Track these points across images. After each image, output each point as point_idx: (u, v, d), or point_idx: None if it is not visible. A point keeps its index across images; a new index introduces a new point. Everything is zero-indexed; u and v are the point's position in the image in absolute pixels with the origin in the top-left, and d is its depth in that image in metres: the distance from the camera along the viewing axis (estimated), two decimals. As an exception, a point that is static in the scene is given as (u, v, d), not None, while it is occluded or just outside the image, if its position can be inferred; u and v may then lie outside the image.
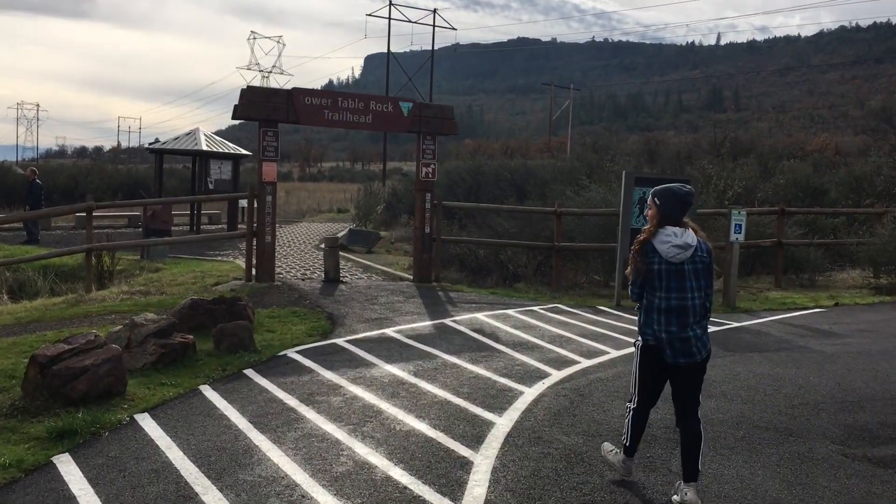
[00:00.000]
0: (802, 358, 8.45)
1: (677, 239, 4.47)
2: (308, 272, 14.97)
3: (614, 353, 8.47)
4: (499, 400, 6.57)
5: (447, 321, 10.22)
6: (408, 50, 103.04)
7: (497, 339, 9.11)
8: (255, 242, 12.87)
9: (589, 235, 14.63)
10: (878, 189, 20.39)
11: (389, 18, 68.67)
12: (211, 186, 22.11)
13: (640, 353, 4.68)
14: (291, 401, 6.43)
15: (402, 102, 13.58)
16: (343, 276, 14.07)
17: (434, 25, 70.57)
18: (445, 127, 13.85)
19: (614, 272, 12.60)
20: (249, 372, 7.42)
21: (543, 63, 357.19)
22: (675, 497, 4.53)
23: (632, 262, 4.57)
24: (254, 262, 13.00)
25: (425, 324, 10.03)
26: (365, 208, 24.17)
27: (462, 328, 9.75)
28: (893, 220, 14.79)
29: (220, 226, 25.76)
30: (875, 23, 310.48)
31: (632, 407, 4.77)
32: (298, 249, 19.52)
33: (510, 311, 11.09)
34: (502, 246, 14.44)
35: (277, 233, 23.98)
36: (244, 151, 23.60)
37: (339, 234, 22.80)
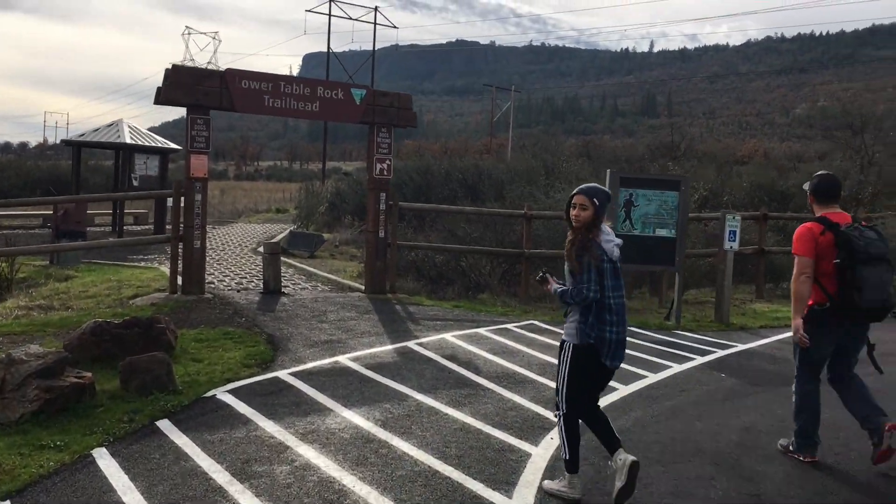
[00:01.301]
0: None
1: (613, 236, 4.51)
2: (244, 281, 13.13)
3: (624, 389, 6.95)
4: (501, 468, 4.95)
5: (412, 345, 8.58)
6: (347, 49, 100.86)
7: (476, 370, 7.51)
8: (181, 248, 11.02)
9: (559, 241, 13.15)
10: (843, 194, 19.49)
11: (330, 15, 66.54)
12: (135, 183, 19.97)
13: (576, 356, 4.46)
14: (219, 474, 4.70)
15: (355, 89, 11.88)
16: (285, 286, 12.29)
17: (375, 23, 68.72)
18: (403, 118, 12.20)
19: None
20: (165, 424, 5.66)
21: (482, 65, 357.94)
22: (611, 464, 4.47)
23: (579, 255, 4.34)
24: (180, 270, 11.14)
25: (386, 348, 8.36)
26: (307, 209, 22.34)
27: (431, 354, 8.12)
28: (881, 226, 13.73)
29: (146, 227, 23.56)
30: (799, 34, 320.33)
31: (562, 414, 4.53)
32: (233, 254, 17.59)
33: (482, 331, 9.51)
34: (466, 252, 12.88)
35: (210, 235, 22.00)
36: (173, 146, 21.50)
37: (280, 237, 20.91)
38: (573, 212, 4.45)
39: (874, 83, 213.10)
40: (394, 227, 12.30)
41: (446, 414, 6.05)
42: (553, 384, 6.96)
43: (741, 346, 9.12)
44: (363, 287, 12.49)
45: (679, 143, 28.24)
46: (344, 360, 7.77)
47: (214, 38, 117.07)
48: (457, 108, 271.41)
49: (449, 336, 9.11)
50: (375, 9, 68.74)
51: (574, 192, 4.50)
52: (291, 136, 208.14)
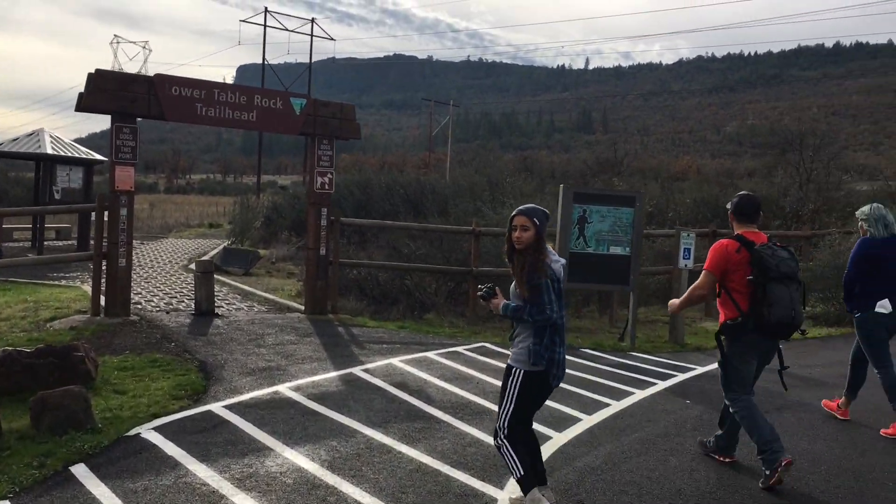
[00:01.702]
0: (818, 423, 6.78)
1: (557, 256, 4.45)
2: (174, 302, 12.33)
3: (588, 420, 6.49)
4: (466, 517, 4.43)
5: (358, 371, 7.99)
6: (283, 61, 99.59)
7: (429, 400, 6.96)
8: (104, 265, 10.22)
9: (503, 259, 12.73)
10: (786, 211, 19.62)
11: (265, 26, 65.45)
12: (57, 196, 18.86)
13: (527, 383, 4.33)
14: (143, 535, 4.06)
15: (294, 99, 11.27)
16: (219, 307, 11.56)
17: (312, 35, 67.87)
18: (346, 129, 11.63)
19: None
20: (81, 470, 4.97)
21: (419, 80, 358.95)
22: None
23: (535, 279, 4.23)
24: (103, 290, 10.33)
25: (330, 375, 7.76)
26: (241, 223, 21.49)
27: (379, 382, 7.54)
28: (830, 245, 13.69)
29: (69, 242, 22.35)
30: (729, 53, 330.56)
31: (503, 440, 4.40)
32: (163, 272, 16.69)
33: (431, 355, 8.97)
34: (411, 270, 12.34)
35: (137, 251, 20.96)
36: (98, 157, 20.44)
37: (213, 254, 20.04)
38: (514, 234, 4.36)
39: (800, 102, 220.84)
40: (336, 243, 11.70)
41: (400, 452, 5.49)
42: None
43: (700, 369, 8.79)
44: (303, 307, 11.83)
45: (622, 158, 28.27)
46: (284, 389, 7.14)
47: (145, 47, 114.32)
48: (394, 122, 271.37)
49: (397, 361, 8.55)
50: (312, 20, 67.92)
51: (513, 213, 4.41)
52: (225, 150, 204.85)
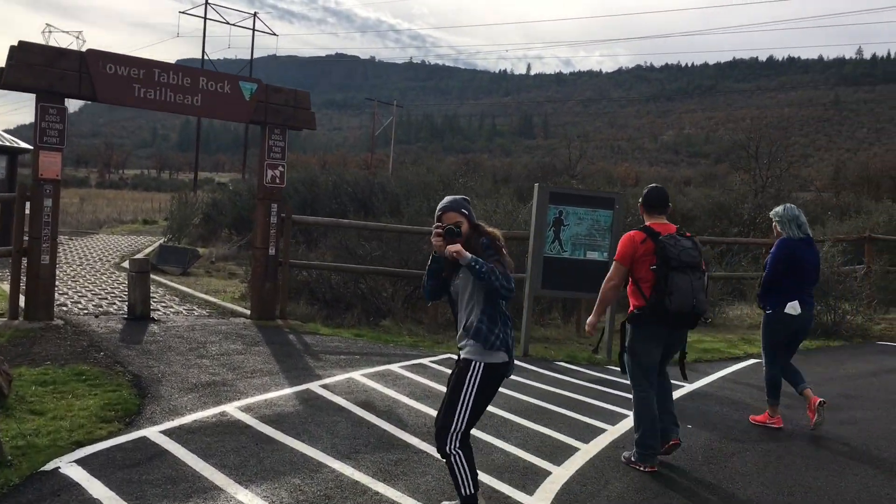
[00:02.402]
0: (834, 457, 6.14)
1: None
2: (105, 304, 11.19)
3: (587, 449, 5.70)
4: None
5: (316, 387, 7.07)
6: (223, 57, 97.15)
7: (401, 423, 6.09)
8: (24, 263, 9.07)
9: (470, 262, 11.94)
10: (744, 218, 19.31)
11: (205, 18, 63.51)
12: (-24, 186, 17.34)
13: (487, 376, 4.00)
14: None
15: (244, 83, 10.27)
16: (155, 310, 10.48)
17: (254, 29, 66.22)
18: (300, 118, 10.67)
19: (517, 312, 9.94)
20: (-20, 523, 3.98)
21: (361, 80, 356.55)
22: None
23: (494, 253, 3.98)
24: (22, 290, 9.18)
25: (285, 392, 6.82)
26: (179, 220, 20.22)
27: (342, 401, 6.64)
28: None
29: (-10, 236, 20.70)
30: (667, 63, 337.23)
31: (457, 444, 4.00)
32: (92, 270, 15.41)
33: (395, 368, 8.10)
34: (369, 273, 11.42)
35: (65, 247, 19.52)
36: (24, 145, 18.94)
37: (148, 251, 18.78)
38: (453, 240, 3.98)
39: (734, 113, 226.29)
40: (286, 243, 10.73)
41: (377, 493, 4.62)
42: (498, 442, 5.65)
43: (689, 386, 8.10)
44: (249, 312, 10.83)
45: (577, 161, 27.81)
46: (233, 410, 6.19)
47: (78, 37, 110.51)
48: (335, 121, 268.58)
49: (358, 375, 7.65)
50: (254, 14, 66.22)
51: (439, 212, 4.12)
52: (161, 145, 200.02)
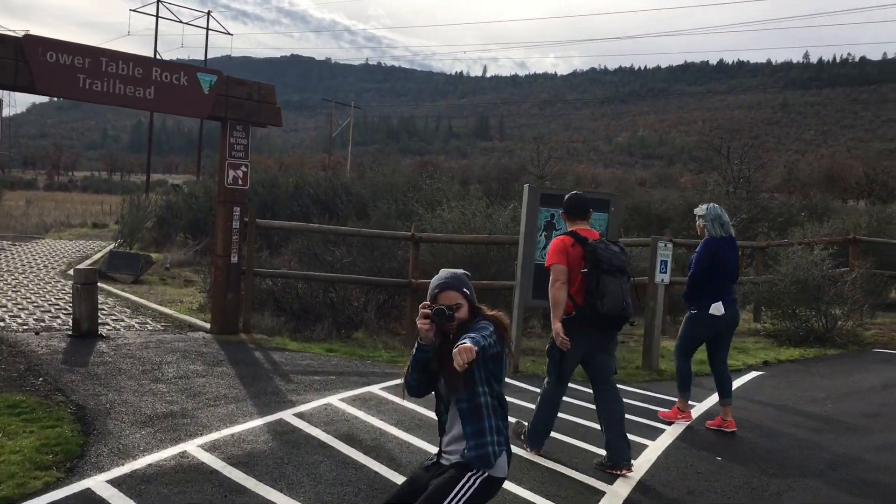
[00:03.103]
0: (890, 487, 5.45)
1: None
2: (47, 317, 10.14)
3: (613, 493, 4.92)
4: None
5: (290, 416, 6.19)
6: (176, 57, 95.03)
7: (394, 462, 5.25)
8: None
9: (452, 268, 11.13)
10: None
11: (157, 17, 61.72)
12: None
13: (482, 491, 3.19)
14: None
15: (203, 74, 9.32)
16: (104, 324, 9.49)
17: (208, 28, 64.52)
18: (264, 113, 9.76)
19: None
20: None
21: (317, 82, 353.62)
22: None
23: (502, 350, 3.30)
24: (-49, 306, 8.13)
25: (256, 425, 5.93)
26: (130, 224, 19.04)
27: (321, 434, 5.77)
28: (791, 258, 12.65)
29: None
30: (620, 66, 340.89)
31: None
32: (35, 279, 14.24)
33: (376, 390, 7.26)
34: (342, 282, 10.54)
35: (7, 253, 18.15)
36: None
37: (97, 258, 17.61)
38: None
39: (686, 116, 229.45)
40: (250, 250, 9.81)
41: (378, 562, 3.79)
42: (513, 487, 4.84)
43: (699, 406, 7.40)
44: (208, 325, 9.87)
45: (546, 161, 27.20)
46: (195, 449, 5.29)
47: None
48: (292, 122, 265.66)
49: (336, 400, 6.79)
50: (208, 13, 64.58)
51: (434, 289, 3.32)
52: (111, 146, 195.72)
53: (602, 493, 4.84)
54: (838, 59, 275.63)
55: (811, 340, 11.61)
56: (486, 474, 3.16)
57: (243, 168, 9.68)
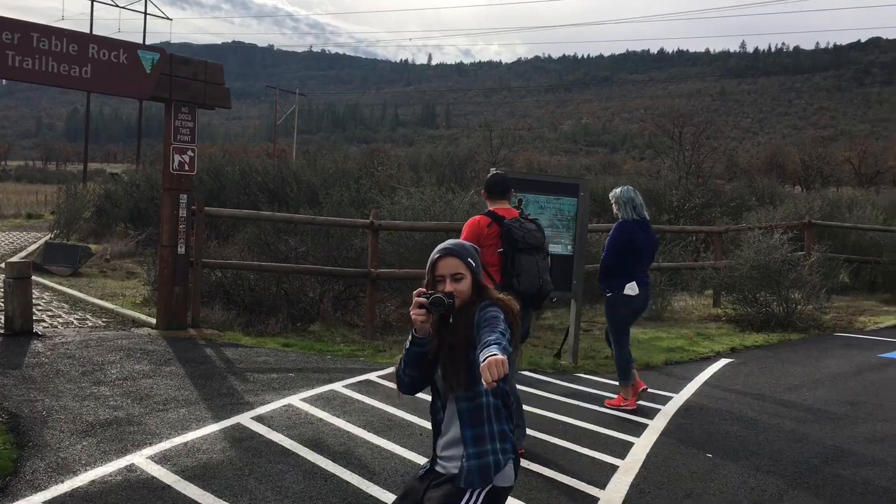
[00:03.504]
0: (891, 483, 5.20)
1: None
2: (-24, 315, 9.40)
3: (607, 498, 4.57)
4: None
5: (248, 421, 5.70)
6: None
7: (366, 470, 4.81)
8: None
9: (407, 258, 10.70)
10: (673, 205, 18.74)
11: (93, 0, 59.58)
12: None
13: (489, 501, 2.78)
14: None
15: (144, 52, 8.67)
16: (39, 321, 8.82)
17: (146, 13, 62.51)
18: (211, 95, 9.15)
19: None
20: None
21: (260, 69, 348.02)
22: None
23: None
24: None
25: (210, 431, 5.43)
26: (67, 214, 18.14)
27: (284, 440, 5.30)
28: (752, 242, 12.52)
29: None
30: (564, 55, 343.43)
31: None
32: (-36, 273, 13.34)
33: (340, 388, 6.80)
34: (294, 272, 10.01)
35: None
36: None
37: (32, 249, 16.71)
38: (442, 288, 2.85)
39: (629, 104, 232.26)
40: (198, 239, 9.22)
41: (360, 590, 3.35)
42: None
43: (677, 397, 7.12)
44: (154, 321, 9.26)
45: (499, 147, 26.87)
46: (144, 461, 4.78)
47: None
48: (234, 111, 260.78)
49: (298, 400, 6.32)
50: (146, -4, 62.52)
51: (435, 255, 2.91)
52: (46, 135, 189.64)
53: (596, 500, 4.48)
54: (773, 49, 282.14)
55: (773, 325, 11.50)
56: (483, 491, 2.72)
57: (190, 153, 9.08)
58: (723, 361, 9.01)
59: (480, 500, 2.71)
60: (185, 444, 5.13)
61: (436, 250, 2.91)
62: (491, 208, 5.49)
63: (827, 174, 59.24)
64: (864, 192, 24.29)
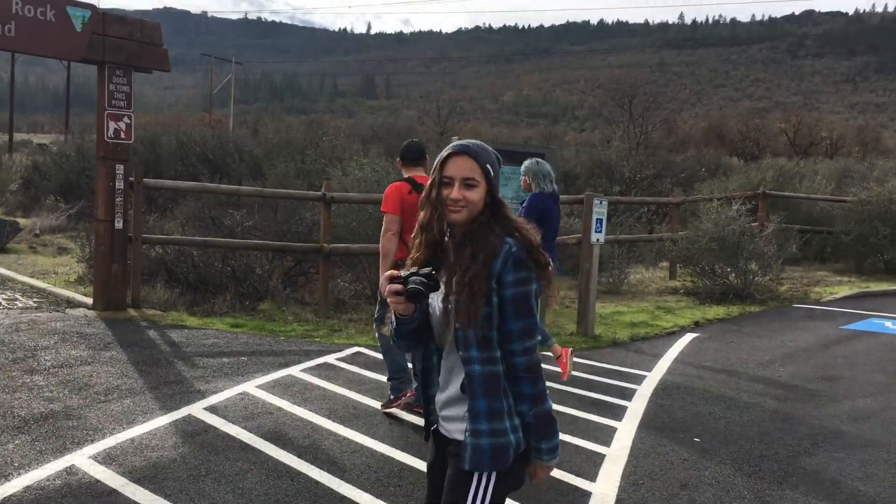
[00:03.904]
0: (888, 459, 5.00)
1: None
2: None
3: (599, 492, 4.23)
4: None
5: (200, 412, 5.21)
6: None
7: (335, 466, 4.39)
8: None
9: (360, 232, 10.22)
10: (625, 176, 18.58)
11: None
12: None
13: (500, 488, 2.29)
14: None
15: (73, 8, 7.93)
16: (-39, 306, 8.11)
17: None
18: (149, 57, 8.48)
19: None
20: None
21: (193, 37, 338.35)
22: None
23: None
24: None
25: (159, 424, 4.93)
26: (-8, 187, 17.09)
27: (242, 433, 4.84)
28: (711, 213, 12.36)
29: None
30: (505, 25, 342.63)
31: None
32: None
33: (298, 373, 6.34)
34: (242, 248, 9.45)
35: None
36: None
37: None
38: (448, 193, 2.31)
39: (570, 75, 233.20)
40: (137, 214, 8.59)
41: None
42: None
43: (649, 375, 6.84)
44: (91, 301, 8.63)
45: (446, 118, 26.35)
46: (85, 461, 4.27)
47: None
48: (167, 79, 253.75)
49: (253, 387, 5.85)
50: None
51: (446, 152, 2.35)
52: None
53: (588, 494, 4.15)
54: (710, 21, 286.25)
55: (731, 297, 11.40)
56: (495, 474, 2.25)
57: (126, 119, 8.41)
58: (689, 336, 8.81)
59: (491, 487, 2.25)
60: (132, 440, 4.63)
61: (449, 146, 2.38)
62: (408, 175, 5.44)
63: (763, 145, 60.33)
64: (807, 163, 24.52)
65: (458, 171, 2.29)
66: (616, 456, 4.70)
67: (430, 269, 2.27)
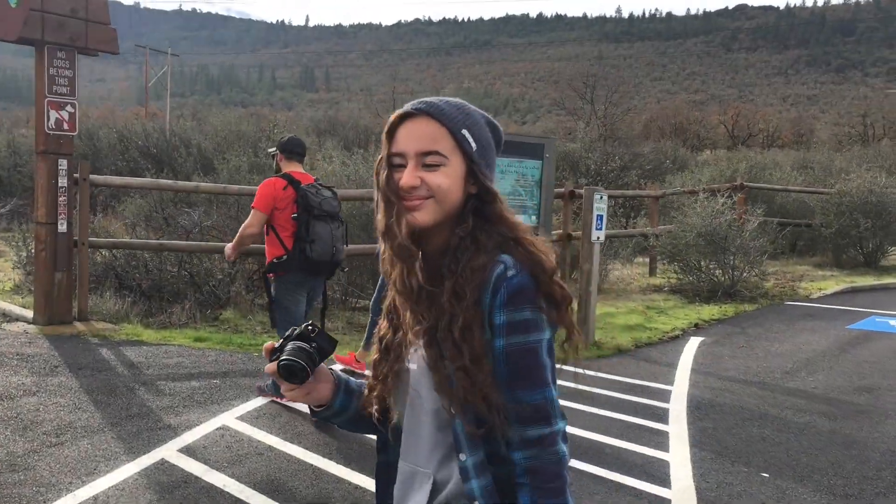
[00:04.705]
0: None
1: None
2: None
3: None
4: None
5: (175, 456, 4.33)
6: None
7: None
8: None
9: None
10: (591, 169, 18.02)
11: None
12: None
13: None
14: None
15: (5, -21, 6.91)
16: None
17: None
18: (95, 37, 7.45)
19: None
20: None
21: (126, 29, 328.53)
22: None
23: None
24: None
25: (126, 476, 4.03)
26: (-88, 185, 15.61)
27: (231, 484, 3.97)
28: (696, 207, 11.79)
29: None
30: (444, 18, 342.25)
31: None
32: None
33: (283, 400, 5.49)
34: (202, 251, 8.48)
35: None
36: None
37: None
38: (399, 177, 1.44)
39: (510, 68, 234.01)
40: (84, 214, 7.58)
41: None
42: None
43: (675, 391, 6.16)
44: (31, 314, 7.58)
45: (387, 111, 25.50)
46: (40, 535, 3.37)
47: None
48: (97, 72, 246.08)
49: (233, 419, 4.98)
50: (-2, -58, 56.87)
51: (398, 114, 1.47)
52: None
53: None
54: (647, 14, 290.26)
55: (719, 295, 10.89)
56: None
57: (69, 108, 7.39)
58: (694, 341, 8.20)
59: None
60: (95, 499, 3.74)
61: (404, 106, 1.52)
62: (286, 170, 5.27)
63: (703, 137, 61.00)
64: (766, 154, 24.38)
65: (413, 144, 1.46)
66: (682, 500, 3.98)
67: (310, 323, 1.49)
